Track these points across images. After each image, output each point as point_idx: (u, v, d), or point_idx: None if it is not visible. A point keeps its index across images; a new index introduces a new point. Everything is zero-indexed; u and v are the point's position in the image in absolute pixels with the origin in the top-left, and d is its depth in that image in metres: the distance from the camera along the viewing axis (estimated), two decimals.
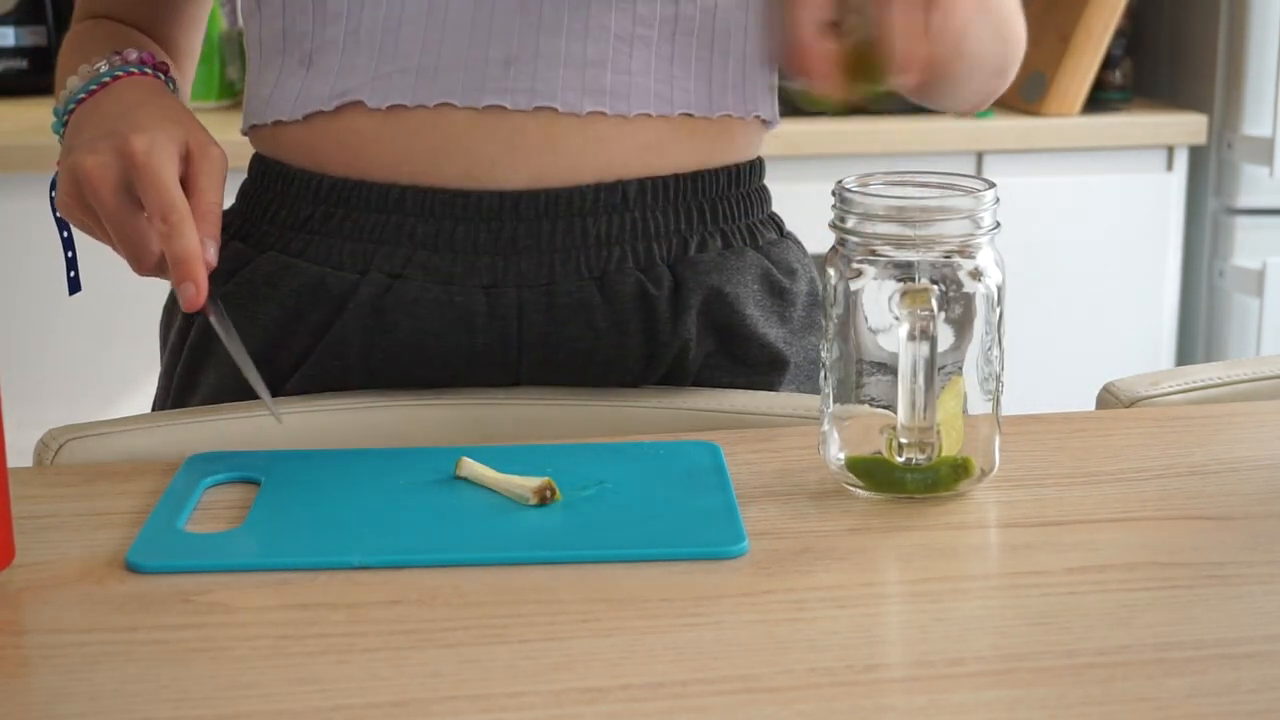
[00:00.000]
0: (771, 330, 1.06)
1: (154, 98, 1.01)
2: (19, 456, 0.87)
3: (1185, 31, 2.62)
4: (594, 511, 0.84)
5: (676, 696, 0.66)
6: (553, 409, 1.02)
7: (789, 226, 1.13)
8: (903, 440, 0.84)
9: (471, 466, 0.88)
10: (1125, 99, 2.57)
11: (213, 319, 0.96)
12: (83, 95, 1.01)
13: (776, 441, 0.95)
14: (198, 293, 0.92)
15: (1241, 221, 2.51)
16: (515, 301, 1.01)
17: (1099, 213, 2.49)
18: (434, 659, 0.69)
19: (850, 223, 0.85)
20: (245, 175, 1.10)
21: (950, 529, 0.83)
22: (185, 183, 0.95)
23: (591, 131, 1.01)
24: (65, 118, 1.03)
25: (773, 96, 1.09)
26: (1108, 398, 1.05)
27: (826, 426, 0.88)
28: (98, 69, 1.02)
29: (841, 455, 0.87)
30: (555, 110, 1.00)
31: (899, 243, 0.84)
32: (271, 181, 1.06)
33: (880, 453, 0.86)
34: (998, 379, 0.87)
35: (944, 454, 0.85)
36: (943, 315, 0.84)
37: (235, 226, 1.08)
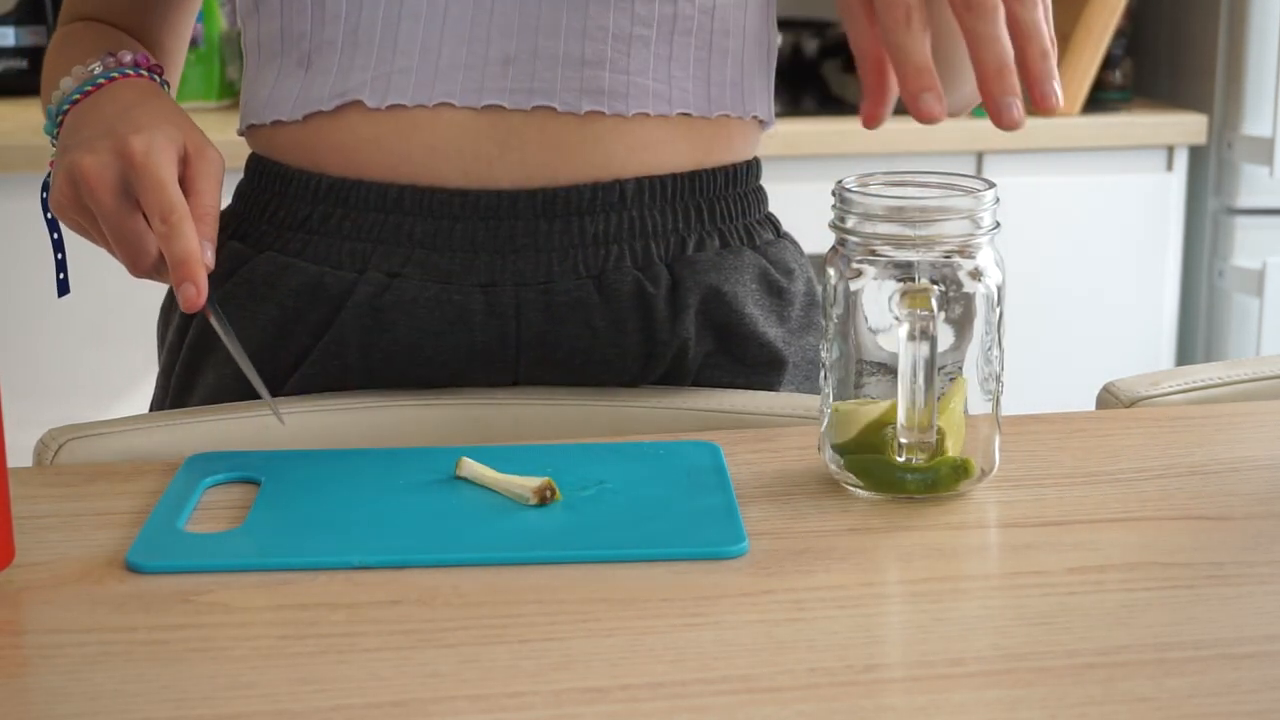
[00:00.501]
0: (770, 330, 1.06)
1: (150, 99, 1.01)
2: (19, 456, 0.87)
3: (1185, 31, 2.62)
4: (594, 511, 0.84)
5: (676, 696, 0.66)
6: (552, 409, 1.02)
7: (788, 226, 1.13)
8: (903, 440, 0.84)
9: (471, 466, 0.88)
10: (1125, 99, 2.57)
11: (212, 320, 0.96)
12: (77, 96, 1.01)
13: (776, 441, 0.95)
14: (198, 294, 0.91)
15: (1241, 221, 2.51)
16: (513, 300, 1.01)
17: (1099, 213, 2.49)
18: (434, 659, 0.69)
19: (850, 223, 0.85)
20: (242, 176, 1.10)
21: (950, 529, 0.83)
22: (183, 184, 0.95)
23: (589, 131, 1.01)
24: (59, 118, 1.02)
25: (769, 97, 1.10)
26: (1108, 398, 1.06)
27: (826, 426, 0.88)
28: (91, 70, 1.02)
29: (841, 455, 0.87)
30: (553, 110, 1.00)
31: (899, 243, 0.84)
32: (269, 181, 1.06)
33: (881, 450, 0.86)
34: (998, 379, 0.87)
35: (946, 454, 0.85)
36: (943, 315, 0.83)
37: (233, 226, 1.08)
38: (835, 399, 0.87)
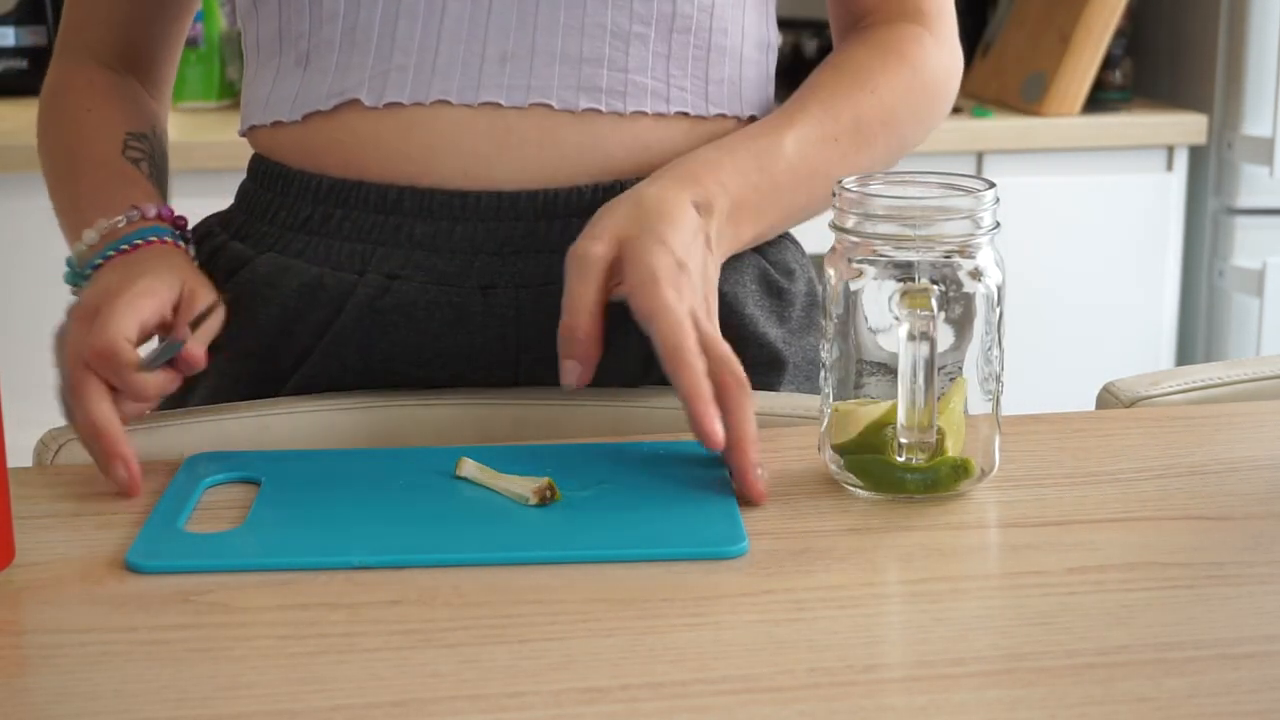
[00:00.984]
0: (770, 330, 1.06)
1: (159, 265, 0.98)
2: (19, 456, 0.87)
3: (1185, 31, 2.62)
4: (594, 511, 0.84)
5: (676, 696, 0.66)
6: (552, 409, 1.02)
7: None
8: (903, 440, 0.84)
9: (471, 467, 0.88)
10: (1125, 99, 2.57)
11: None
12: (100, 261, 1.01)
13: (776, 441, 0.95)
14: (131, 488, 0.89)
15: (1241, 221, 2.51)
16: (513, 302, 1.01)
17: (1099, 213, 2.49)
18: (434, 659, 0.69)
19: (850, 223, 0.85)
20: (244, 176, 1.10)
21: (950, 529, 0.83)
22: (171, 325, 0.95)
23: (588, 129, 1.01)
24: (88, 273, 1.01)
25: (769, 98, 1.10)
26: (1108, 398, 1.05)
27: (826, 426, 0.88)
28: (117, 223, 1.01)
29: (841, 455, 0.87)
30: (550, 107, 1.00)
31: (899, 243, 0.84)
32: (270, 182, 1.06)
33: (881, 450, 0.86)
34: (998, 379, 0.87)
35: (946, 454, 0.85)
36: (943, 315, 0.84)
37: (235, 227, 1.08)
38: (835, 399, 0.87)
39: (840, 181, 0.86)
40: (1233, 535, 0.82)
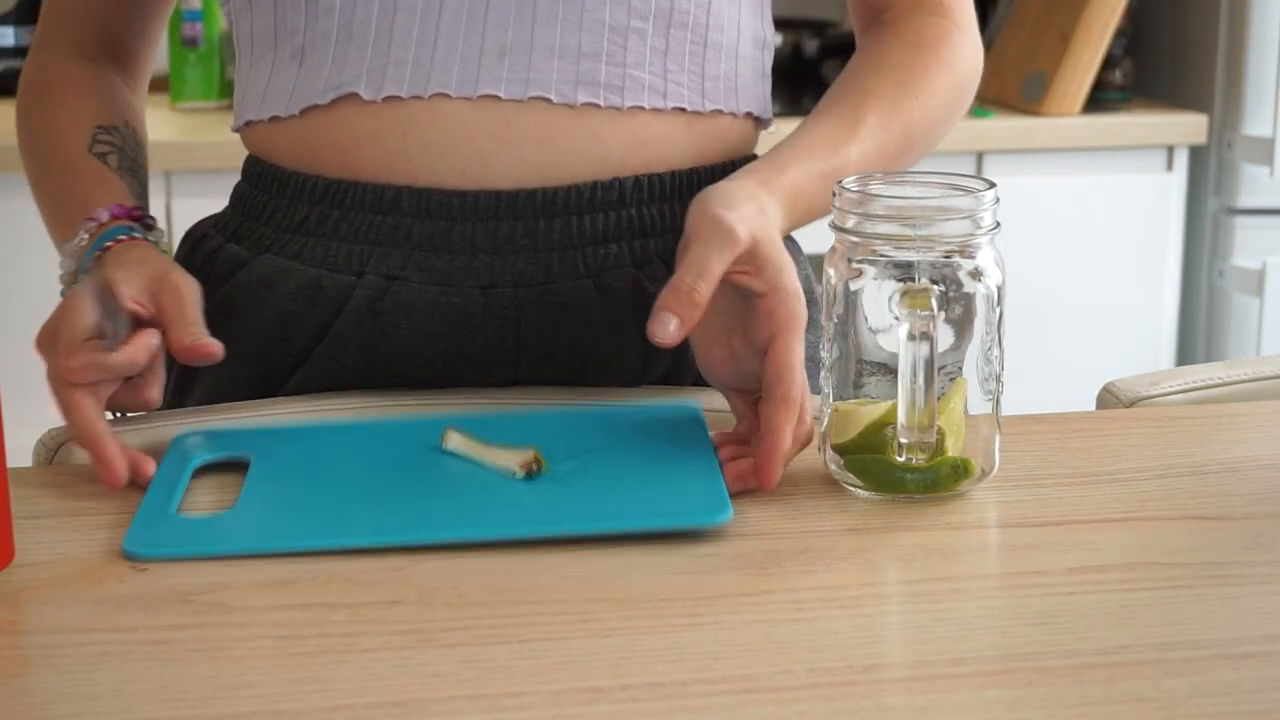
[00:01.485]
0: None
1: (132, 268, 0.98)
2: (19, 456, 0.87)
3: (1185, 31, 2.62)
4: (580, 484, 0.85)
5: (676, 696, 0.66)
6: (553, 409, 1.02)
7: None
8: (903, 440, 0.84)
9: (457, 440, 0.89)
10: (1125, 99, 2.57)
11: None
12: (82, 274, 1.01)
13: None
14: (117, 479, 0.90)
15: (1241, 221, 2.51)
16: (512, 301, 1.01)
17: (1099, 213, 2.49)
18: (434, 659, 0.69)
19: (850, 223, 0.85)
20: (239, 177, 1.10)
21: (950, 529, 0.83)
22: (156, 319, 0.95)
23: (586, 125, 1.01)
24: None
25: (765, 94, 1.10)
26: (1108, 398, 1.05)
27: (826, 426, 0.88)
28: (80, 242, 1.02)
29: (841, 455, 0.87)
30: (549, 101, 1.00)
31: (899, 243, 0.84)
32: (266, 184, 1.06)
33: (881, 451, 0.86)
34: (998, 379, 0.87)
35: (946, 454, 0.85)
36: (943, 315, 0.84)
37: (230, 229, 1.08)
38: (835, 399, 0.87)
39: (840, 181, 0.86)
40: (1233, 535, 0.82)
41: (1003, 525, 0.84)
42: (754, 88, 1.08)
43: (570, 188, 1.01)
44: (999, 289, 0.85)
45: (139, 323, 0.94)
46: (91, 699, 0.66)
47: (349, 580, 0.77)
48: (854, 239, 0.85)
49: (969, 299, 0.84)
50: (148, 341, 0.93)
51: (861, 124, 1.02)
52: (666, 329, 0.88)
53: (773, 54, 1.11)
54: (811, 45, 2.59)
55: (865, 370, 0.86)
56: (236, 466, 0.90)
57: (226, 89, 2.51)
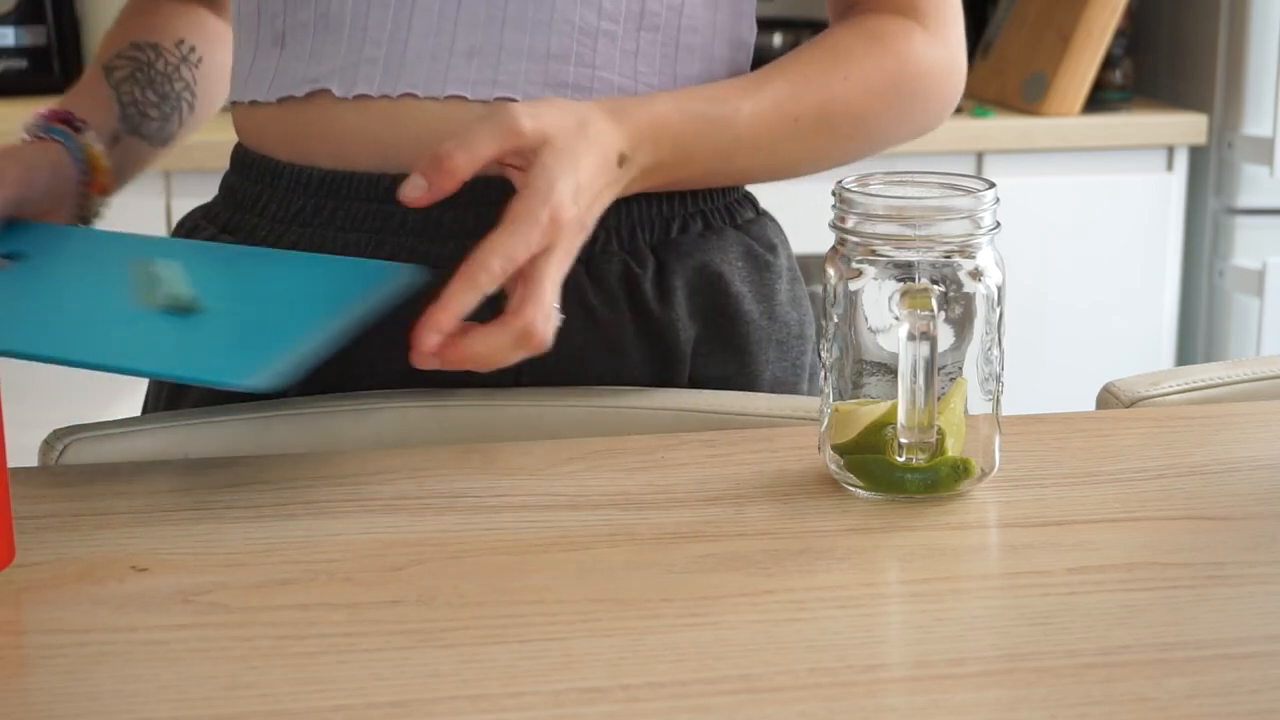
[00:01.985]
0: (756, 306, 1.07)
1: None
2: (23, 456, 0.87)
3: (1185, 31, 2.62)
4: (195, 327, 0.87)
5: (676, 696, 0.66)
6: (555, 410, 1.02)
7: (789, 226, 1.14)
8: (903, 440, 0.84)
9: (147, 264, 0.92)
10: (1125, 99, 2.57)
11: None
12: None
13: (776, 441, 0.95)
14: None
15: (1241, 221, 2.51)
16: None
17: (1099, 213, 2.49)
18: (434, 659, 0.69)
19: (850, 223, 0.85)
20: (227, 168, 1.10)
21: (950, 529, 0.83)
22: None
23: None
24: None
25: None
26: (1108, 398, 1.05)
27: (826, 426, 0.88)
28: (16, 139, 1.08)
29: (841, 455, 0.87)
30: (515, 101, 1.00)
31: (899, 243, 0.84)
32: (259, 175, 1.06)
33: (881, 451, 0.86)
34: (998, 379, 0.87)
35: (946, 454, 0.85)
36: (943, 315, 0.83)
37: (222, 221, 1.08)
38: (835, 399, 0.87)
39: (840, 181, 0.86)
40: (1233, 535, 0.82)
41: (1003, 525, 0.84)
42: None
43: None
44: (999, 289, 0.85)
45: None
46: (92, 699, 0.66)
47: (349, 580, 0.77)
48: (854, 239, 0.85)
49: (969, 299, 0.84)
50: None
51: (766, 85, 1.01)
52: (414, 189, 0.90)
53: (751, 54, 1.10)
54: None
55: (865, 370, 0.86)
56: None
57: None
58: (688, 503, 0.86)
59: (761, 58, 1.07)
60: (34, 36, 2.54)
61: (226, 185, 1.10)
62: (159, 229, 2.15)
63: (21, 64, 2.54)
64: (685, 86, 1.04)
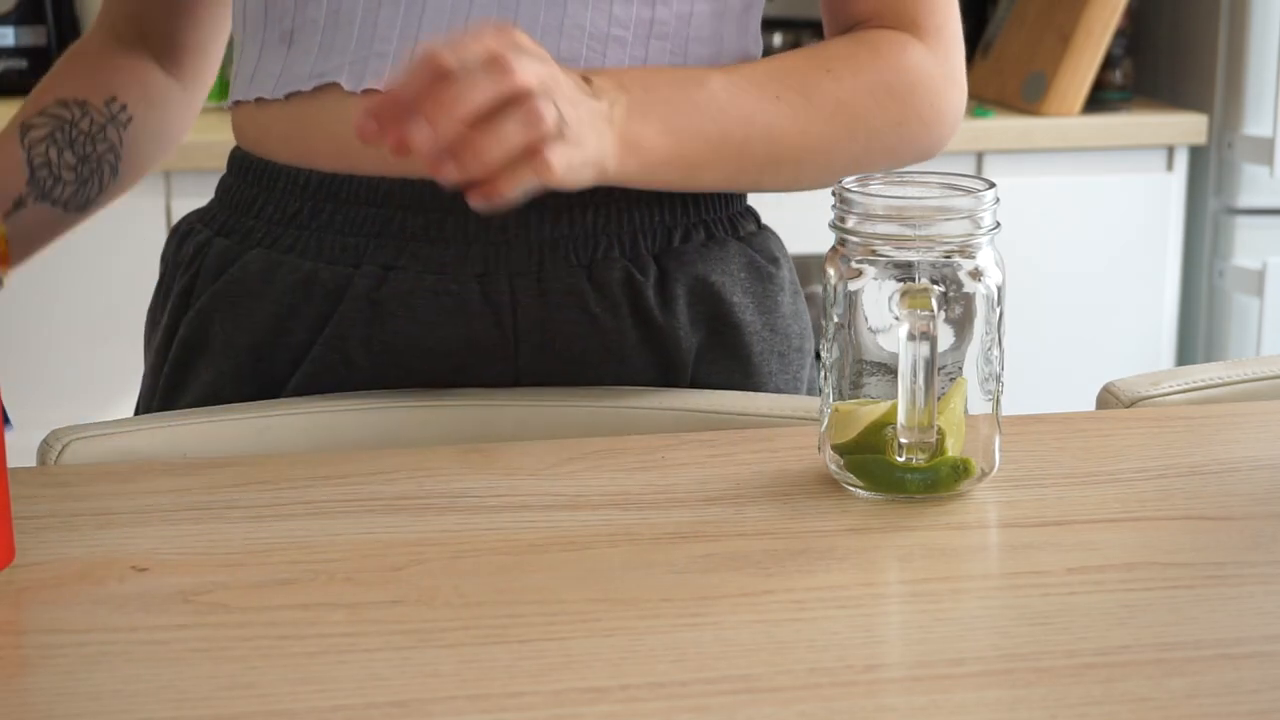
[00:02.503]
0: (758, 318, 1.07)
1: None
2: (23, 456, 0.87)
3: (1185, 31, 2.62)
4: None
5: (676, 696, 0.66)
6: (555, 410, 1.02)
7: (789, 227, 1.14)
8: (903, 440, 0.84)
9: None
10: (1125, 99, 2.57)
11: None
12: None
13: (776, 441, 0.95)
14: None
15: (1241, 221, 2.51)
16: (508, 289, 1.02)
17: (1099, 213, 2.49)
18: (434, 659, 0.69)
19: (850, 223, 0.85)
20: (225, 170, 1.10)
21: (950, 529, 0.83)
22: None
23: None
24: None
25: None
26: (1108, 398, 1.05)
27: (826, 426, 0.88)
28: None
29: (841, 455, 0.87)
30: None
31: (899, 243, 0.84)
32: (256, 177, 1.06)
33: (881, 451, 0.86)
34: (998, 379, 0.87)
35: (946, 454, 0.85)
36: (943, 315, 0.84)
37: (218, 223, 1.08)
38: (835, 399, 0.87)
39: (840, 181, 0.86)
40: (1233, 535, 0.82)
41: (1003, 525, 0.84)
42: None
43: None
44: (999, 289, 0.85)
45: None
46: (92, 699, 0.66)
47: (349, 580, 0.77)
48: (854, 239, 0.85)
49: (969, 299, 0.84)
50: None
51: (742, 68, 1.00)
52: (367, 125, 0.85)
53: None
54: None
55: (865, 370, 0.86)
56: None
57: (226, 90, 2.51)
58: (688, 503, 0.86)
59: None
60: (34, 36, 2.54)
61: (223, 188, 1.10)
62: (159, 229, 2.15)
63: (21, 64, 2.54)
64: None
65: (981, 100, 2.56)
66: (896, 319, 0.83)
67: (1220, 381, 1.07)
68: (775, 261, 1.09)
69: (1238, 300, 2.52)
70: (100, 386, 2.26)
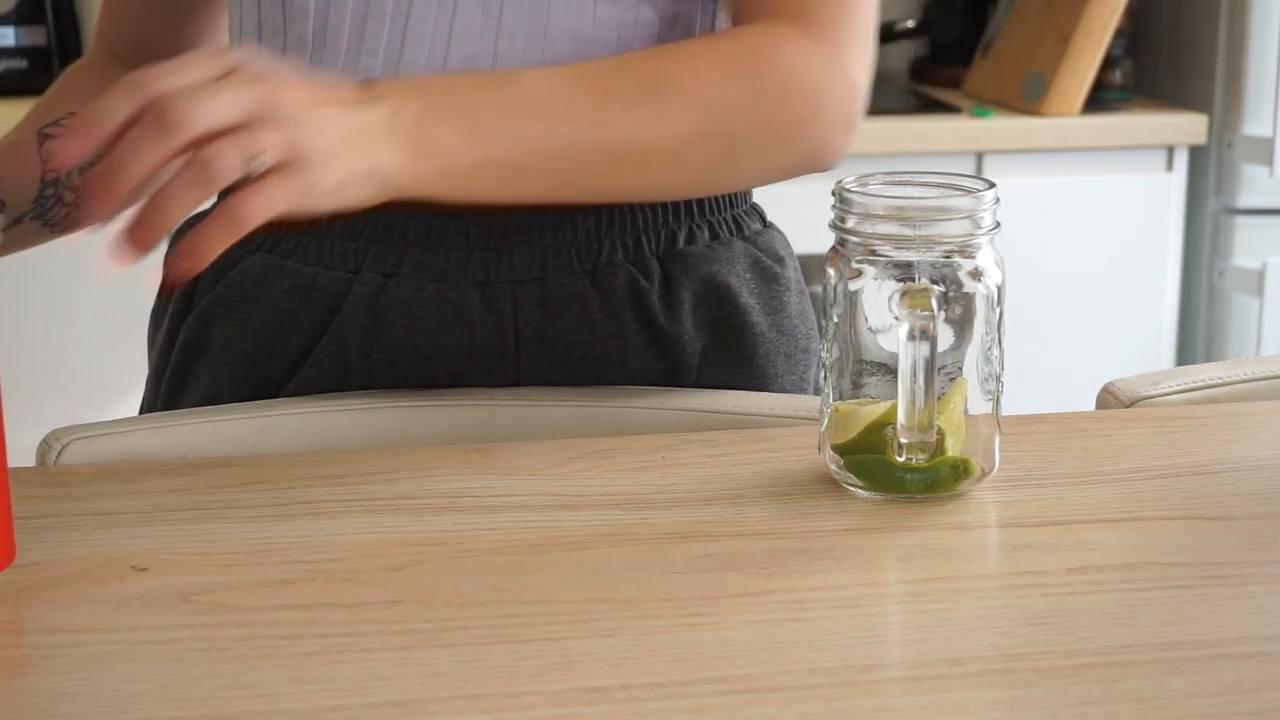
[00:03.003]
0: (764, 319, 1.07)
1: None
2: (23, 456, 0.87)
3: (1185, 31, 2.62)
4: None
5: (676, 696, 0.66)
6: (555, 409, 1.02)
7: (788, 226, 1.14)
8: (903, 440, 0.84)
9: None
10: (1125, 99, 2.57)
11: None
12: None
13: (776, 441, 0.95)
14: None
15: (1241, 221, 2.51)
16: (509, 296, 1.02)
17: (1099, 213, 2.49)
18: (434, 659, 0.69)
19: (850, 223, 0.85)
20: None
21: (950, 529, 0.83)
22: None
23: None
24: None
25: None
26: (1108, 398, 1.05)
27: (826, 426, 0.88)
28: None
29: (841, 455, 0.87)
30: None
31: (899, 243, 0.84)
32: None
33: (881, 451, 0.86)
34: (998, 379, 0.87)
35: (946, 454, 0.85)
36: (943, 315, 0.84)
37: None
38: (835, 399, 0.87)
39: (840, 181, 0.86)
40: (1233, 535, 0.82)
41: (1003, 525, 0.84)
42: None
43: None
44: (999, 289, 0.85)
45: None
46: (92, 699, 0.66)
47: (349, 580, 0.77)
48: (854, 239, 0.85)
49: (969, 299, 0.84)
50: None
51: (570, 66, 0.95)
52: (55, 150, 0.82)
53: None
54: None
55: (865, 370, 0.86)
56: None
57: None
58: (688, 503, 0.86)
59: None
60: (34, 36, 2.54)
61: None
62: None
63: (21, 64, 2.54)
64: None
65: (981, 100, 2.56)
66: (896, 319, 0.83)
67: (1220, 381, 1.07)
68: (780, 260, 1.09)
69: (1238, 300, 2.52)
70: (101, 387, 2.26)
